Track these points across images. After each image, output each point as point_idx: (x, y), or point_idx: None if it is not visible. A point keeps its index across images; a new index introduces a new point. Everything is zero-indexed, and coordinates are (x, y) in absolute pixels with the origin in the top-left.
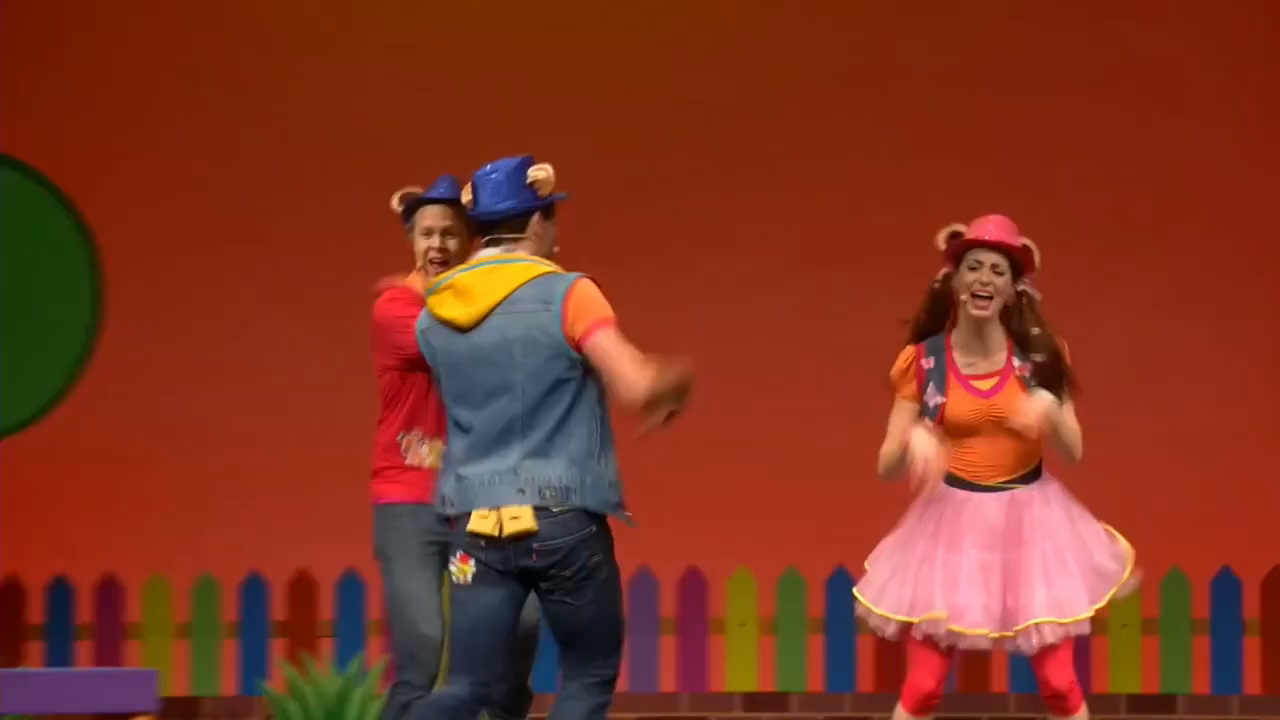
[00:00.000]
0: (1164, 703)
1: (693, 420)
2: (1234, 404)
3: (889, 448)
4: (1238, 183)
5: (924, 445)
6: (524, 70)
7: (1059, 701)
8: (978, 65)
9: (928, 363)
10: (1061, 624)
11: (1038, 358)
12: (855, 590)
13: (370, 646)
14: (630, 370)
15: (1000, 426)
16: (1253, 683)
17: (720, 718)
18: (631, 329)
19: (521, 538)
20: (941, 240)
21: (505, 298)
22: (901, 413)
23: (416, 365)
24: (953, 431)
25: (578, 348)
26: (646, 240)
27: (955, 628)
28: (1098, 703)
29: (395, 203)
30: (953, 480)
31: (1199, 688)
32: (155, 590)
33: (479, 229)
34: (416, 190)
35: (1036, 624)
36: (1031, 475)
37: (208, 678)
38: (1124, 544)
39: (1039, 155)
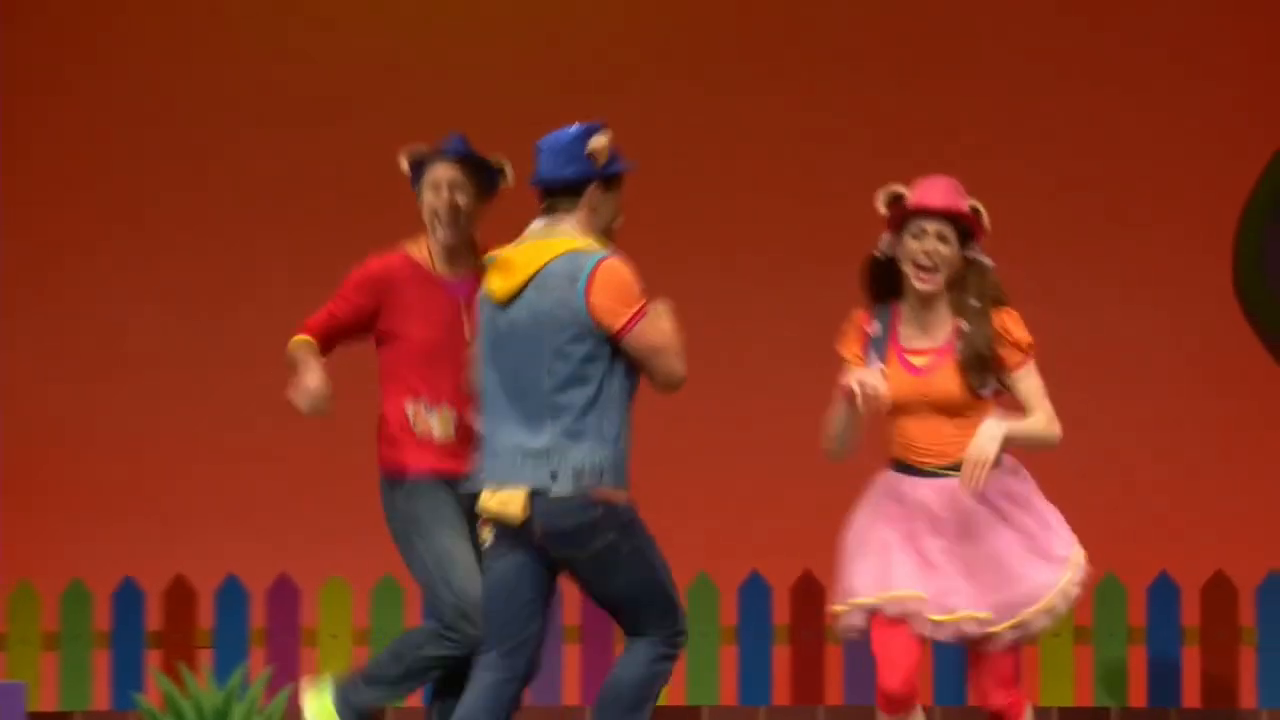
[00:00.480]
0: (1098, 715)
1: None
2: (1172, 404)
3: (828, 414)
4: (1196, 176)
5: (860, 371)
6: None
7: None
8: (941, 59)
9: (873, 329)
10: (988, 628)
11: (965, 329)
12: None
13: (252, 657)
14: (671, 365)
15: (933, 409)
16: (1191, 695)
17: None
18: None
19: (517, 520)
20: (881, 204)
21: (537, 272)
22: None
23: (377, 332)
24: (892, 406)
25: (613, 336)
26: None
27: (936, 617)
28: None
29: (403, 161)
30: (898, 465)
31: (1135, 700)
32: (22, 599)
33: (540, 199)
34: (424, 147)
35: (974, 617)
36: None
37: (78, 691)
38: (1074, 549)
39: (1007, 151)
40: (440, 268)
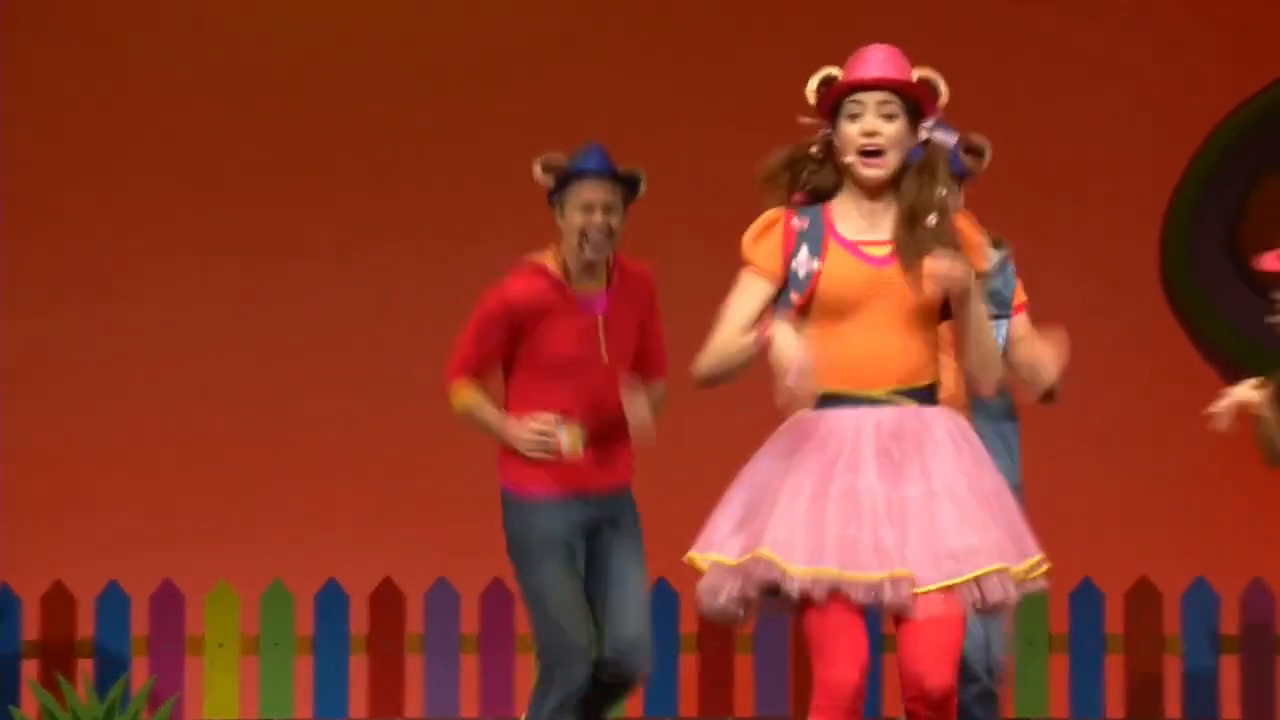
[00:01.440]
0: None
1: None
2: (1097, 404)
3: (723, 337)
4: (1126, 162)
5: (794, 343)
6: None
7: (933, 711)
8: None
9: (800, 223)
10: (952, 584)
11: (931, 223)
12: (692, 553)
13: (134, 667)
14: None
15: (888, 312)
16: (1115, 705)
17: None
18: None
19: None
20: (812, 92)
21: None
22: (750, 293)
23: (513, 353)
24: (827, 312)
25: None
26: None
27: (850, 575)
28: None
29: (539, 172)
30: (825, 399)
31: (1056, 710)
32: None
33: None
34: (562, 159)
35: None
36: (927, 394)
37: None
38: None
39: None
40: (578, 284)
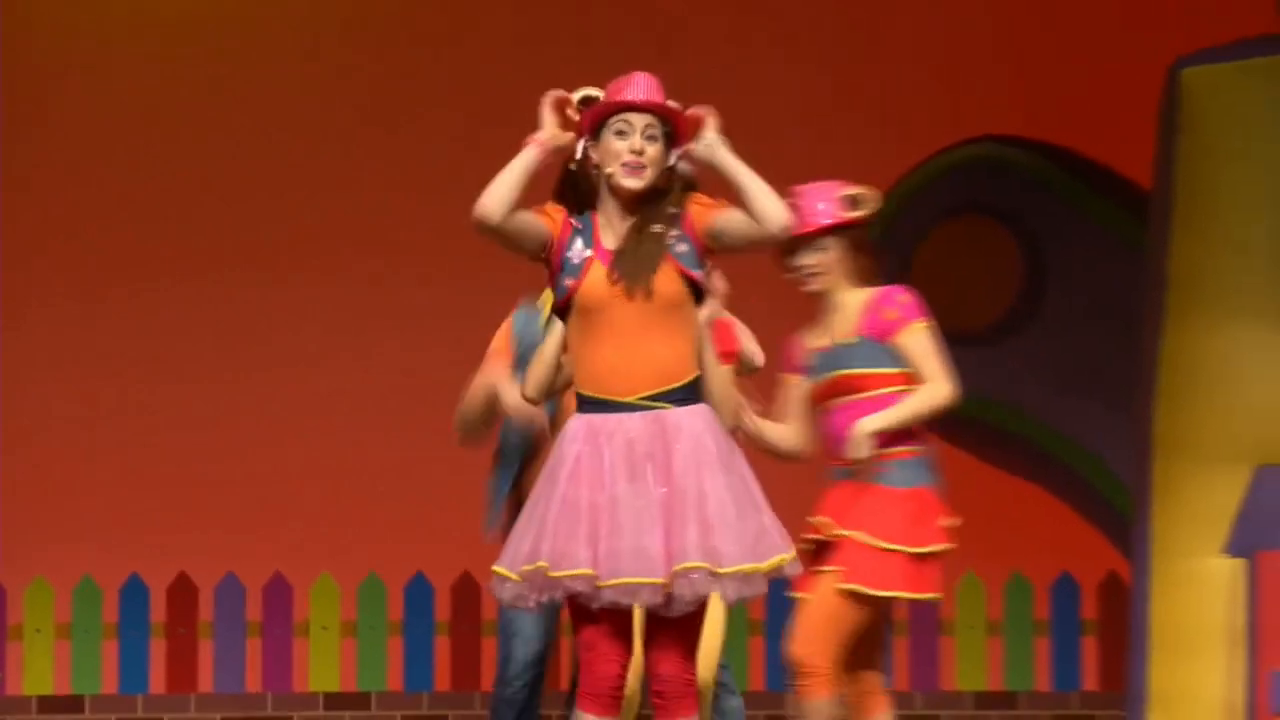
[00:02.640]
0: (1007, 699)
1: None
2: None
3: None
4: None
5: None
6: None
7: (666, 704)
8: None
9: (577, 222)
10: (716, 573)
11: (654, 229)
12: (495, 565)
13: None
14: None
15: (644, 316)
16: (1091, 680)
17: (304, 716)
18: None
19: None
20: (573, 110)
21: None
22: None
23: None
24: (586, 311)
25: None
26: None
27: (605, 582)
28: (946, 699)
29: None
30: (588, 403)
31: (1040, 685)
32: None
33: None
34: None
35: (688, 568)
36: (684, 395)
37: None
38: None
39: None
40: None
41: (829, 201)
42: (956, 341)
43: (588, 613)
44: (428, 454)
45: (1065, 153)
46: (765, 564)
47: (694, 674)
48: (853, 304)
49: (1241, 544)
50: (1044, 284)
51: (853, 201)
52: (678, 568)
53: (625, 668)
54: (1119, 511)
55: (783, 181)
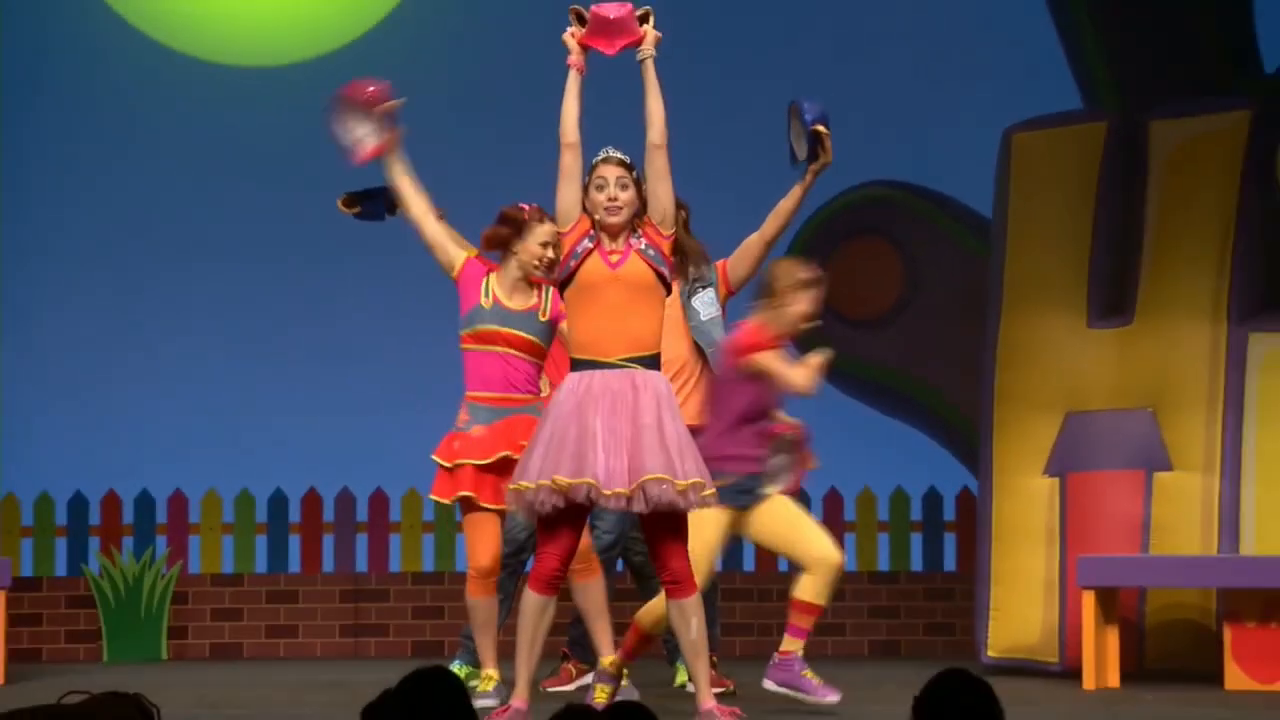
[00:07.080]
0: (891, 577)
1: None
2: None
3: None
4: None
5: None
6: None
7: (677, 586)
8: None
9: (592, 229)
10: (678, 486)
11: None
12: (510, 485)
13: (157, 543)
14: None
15: (623, 295)
16: (950, 563)
17: (397, 589)
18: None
19: None
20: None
21: None
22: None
23: None
24: (582, 292)
25: None
26: None
27: (602, 491)
28: (848, 577)
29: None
30: (581, 364)
31: (915, 567)
32: (9, 504)
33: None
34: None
35: (654, 479)
36: (652, 363)
37: (46, 565)
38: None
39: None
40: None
41: None
42: (857, 326)
43: (551, 519)
44: None
45: (930, 192)
46: (712, 485)
47: (690, 563)
48: None
49: (1056, 467)
50: (918, 285)
51: None
52: (647, 478)
53: (564, 562)
54: (969, 443)
55: (719, 221)
